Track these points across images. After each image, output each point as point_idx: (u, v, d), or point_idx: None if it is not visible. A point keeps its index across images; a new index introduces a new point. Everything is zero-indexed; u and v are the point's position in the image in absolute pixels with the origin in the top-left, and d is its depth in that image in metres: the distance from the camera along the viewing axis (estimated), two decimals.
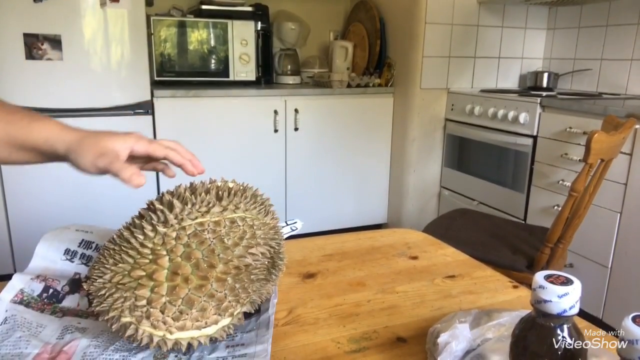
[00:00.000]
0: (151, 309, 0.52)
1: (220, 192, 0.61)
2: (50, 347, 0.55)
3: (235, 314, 0.56)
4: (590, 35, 2.69)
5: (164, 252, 0.53)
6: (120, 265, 0.53)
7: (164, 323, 0.52)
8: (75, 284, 0.65)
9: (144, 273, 0.52)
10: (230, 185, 0.65)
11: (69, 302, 0.64)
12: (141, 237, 0.53)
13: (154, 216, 0.55)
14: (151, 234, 0.53)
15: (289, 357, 0.58)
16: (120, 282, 0.53)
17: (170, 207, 0.56)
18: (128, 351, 0.55)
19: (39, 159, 0.65)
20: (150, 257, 0.53)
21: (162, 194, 0.62)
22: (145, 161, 0.66)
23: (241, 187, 0.65)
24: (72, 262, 0.67)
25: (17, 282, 0.62)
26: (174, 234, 0.53)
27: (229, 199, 0.59)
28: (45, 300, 0.63)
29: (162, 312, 0.52)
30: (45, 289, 0.63)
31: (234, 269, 0.56)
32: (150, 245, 0.53)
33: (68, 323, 0.59)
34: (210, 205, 0.58)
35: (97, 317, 0.55)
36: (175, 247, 0.53)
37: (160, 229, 0.53)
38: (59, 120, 0.65)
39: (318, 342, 0.61)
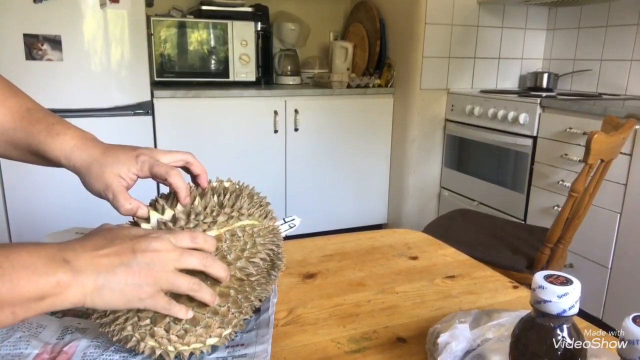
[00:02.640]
0: (155, 328, 0.51)
1: (220, 197, 0.59)
2: (51, 348, 0.55)
3: (238, 323, 0.56)
4: (590, 35, 2.69)
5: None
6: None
7: (169, 340, 0.51)
8: None
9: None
10: (226, 185, 0.64)
11: None
12: None
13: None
14: None
15: (289, 357, 0.58)
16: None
17: (174, 219, 0.55)
18: (128, 352, 0.55)
19: (59, 167, 0.66)
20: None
21: (156, 199, 0.60)
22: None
23: (237, 187, 0.64)
24: None
25: None
26: None
27: (230, 206, 0.58)
28: None
29: (167, 331, 0.51)
30: None
31: (237, 281, 0.55)
32: None
33: (68, 323, 0.59)
34: (215, 214, 0.56)
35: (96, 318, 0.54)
36: None
37: None
38: (78, 130, 0.64)
39: (318, 342, 0.61)
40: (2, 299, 0.42)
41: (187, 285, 0.51)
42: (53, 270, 0.45)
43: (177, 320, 0.51)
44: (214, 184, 0.64)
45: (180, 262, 0.51)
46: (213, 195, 0.60)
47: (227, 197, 0.59)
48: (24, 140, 0.64)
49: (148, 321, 0.51)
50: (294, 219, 0.76)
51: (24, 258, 0.44)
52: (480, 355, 0.51)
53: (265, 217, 0.62)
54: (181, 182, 0.60)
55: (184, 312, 0.51)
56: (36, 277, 0.44)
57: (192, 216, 0.56)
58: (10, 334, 0.56)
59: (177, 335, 0.51)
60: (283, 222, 0.75)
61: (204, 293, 0.52)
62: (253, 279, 0.57)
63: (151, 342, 0.51)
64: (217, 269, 0.53)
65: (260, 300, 0.61)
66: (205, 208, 0.57)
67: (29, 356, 0.53)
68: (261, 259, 0.58)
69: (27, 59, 2.16)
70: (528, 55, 2.96)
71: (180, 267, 0.51)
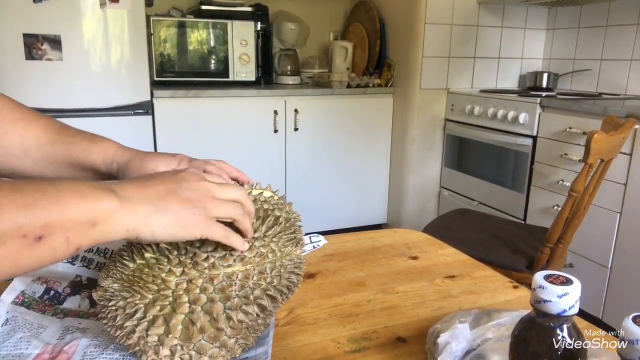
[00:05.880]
0: (161, 347, 0.50)
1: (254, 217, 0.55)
2: (51, 347, 0.55)
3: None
4: (590, 35, 2.69)
5: (185, 300, 0.49)
6: (135, 297, 0.50)
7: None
8: (76, 286, 0.65)
9: (160, 313, 0.49)
10: (267, 195, 0.61)
11: (70, 303, 0.64)
12: (165, 272, 0.50)
13: (180, 246, 0.51)
14: (177, 271, 0.50)
15: (289, 357, 0.58)
16: (134, 314, 0.49)
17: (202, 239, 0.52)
18: (127, 350, 0.55)
19: (98, 178, 0.66)
20: (170, 299, 0.49)
21: None
22: None
23: (281, 201, 0.61)
24: (73, 264, 0.67)
25: (18, 284, 0.62)
26: (199, 282, 0.50)
27: (263, 236, 0.55)
28: (47, 301, 0.63)
29: (172, 352, 0.50)
30: (47, 290, 0.63)
31: (251, 314, 0.54)
32: (172, 285, 0.50)
33: (69, 324, 0.59)
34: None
35: (98, 318, 0.55)
36: (198, 297, 0.49)
37: (189, 270, 0.50)
38: (112, 140, 0.67)
39: (318, 342, 0.61)
40: (53, 223, 0.41)
41: (233, 212, 0.52)
42: (100, 195, 0.44)
43: (184, 344, 0.49)
44: (255, 193, 0.62)
45: (221, 193, 0.52)
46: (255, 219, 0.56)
47: (260, 220, 0.56)
48: (63, 152, 0.65)
49: (156, 338, 0.49)
50: (319, 240, 0.72)
51: (69, 185, 0.44)
52: (480, 355, 0.51)
53: (296, 245, 0.58)
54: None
55: (241, 243, 0.52)
56: (84, 201, 0.43)
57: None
58: (11, 335, 0.56)
59: (180, 357, 0.50)
60: (309, 240, 0.71)
61: (235, 236, 0.52)
62: (265, 312, 0.55)
63: (153, 356, 0.50)
64: (247, 223, 0.53)
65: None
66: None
67: (29, 356, 0.53)
68: (280, 291, 0.55)
69: (27, 58, 2.16)
70: (528, 55, 2.96)
71: (220, 197, 0.52)
